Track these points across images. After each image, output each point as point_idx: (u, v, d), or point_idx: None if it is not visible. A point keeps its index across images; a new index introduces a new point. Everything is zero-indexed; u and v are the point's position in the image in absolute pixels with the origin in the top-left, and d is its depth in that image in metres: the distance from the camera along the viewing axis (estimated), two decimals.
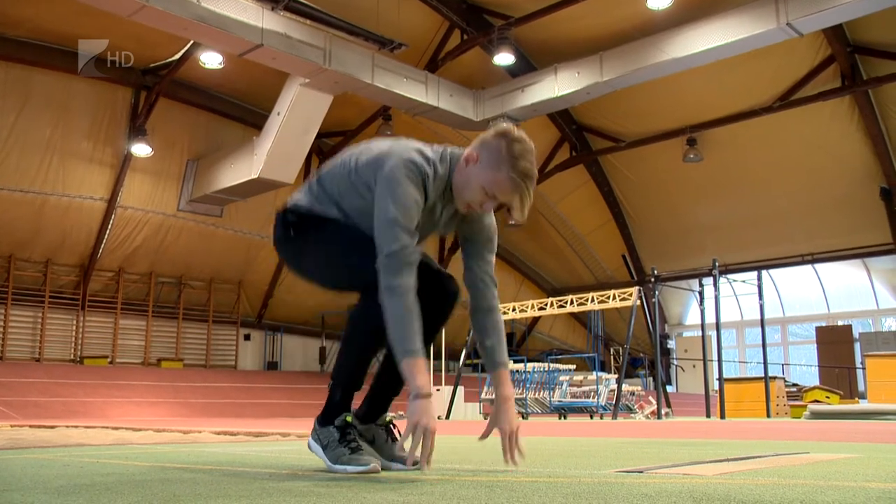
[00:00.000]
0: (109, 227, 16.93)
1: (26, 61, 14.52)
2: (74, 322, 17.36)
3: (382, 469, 2.30)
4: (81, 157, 15.96)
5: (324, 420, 2.37)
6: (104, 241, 17.03)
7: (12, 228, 15.88)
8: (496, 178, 2.29)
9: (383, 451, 2.44)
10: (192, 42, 14.00)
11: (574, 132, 18.87)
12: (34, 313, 16.76)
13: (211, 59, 14.43)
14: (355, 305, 2.44)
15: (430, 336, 2.48)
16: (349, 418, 2.35)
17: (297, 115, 14.17)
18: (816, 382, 16.91)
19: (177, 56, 15.01)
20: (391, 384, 2.53)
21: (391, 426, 2.51)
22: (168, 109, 16.38)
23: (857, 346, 19.35)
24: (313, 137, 14.94)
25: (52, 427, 6.96)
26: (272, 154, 14.64)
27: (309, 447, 2.41)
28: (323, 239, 2.49)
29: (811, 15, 11.53)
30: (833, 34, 14.03)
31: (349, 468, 2.21)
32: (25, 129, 15.00)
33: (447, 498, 1.58)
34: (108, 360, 17.44)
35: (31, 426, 7.46)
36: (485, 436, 2.45)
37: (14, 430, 6.53)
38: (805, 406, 11.76)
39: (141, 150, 15.89)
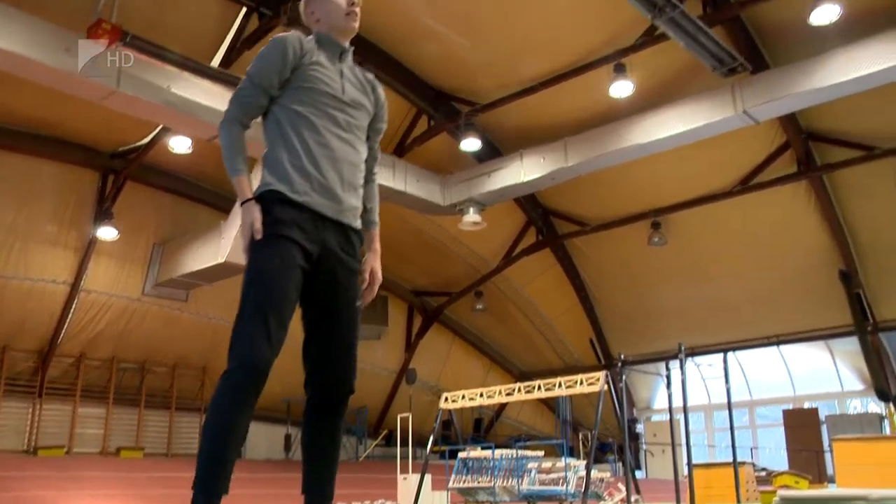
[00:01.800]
0: (72, 311, 16.60)
1: None
2: (30, 410, 16.80)
3: None
4: (45, 241, 15.76)
5: None
6: (66, 325, 16.68)
7: None
8: (323, 4, 2.99)
9: None
10: (161, 127, 14.08)
11: (540, 216, 19.11)
12: None
13: (179, 144, 14.48)
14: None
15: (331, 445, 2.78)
16: None
17: None
18: (785, 466, 16.85)
19: (145, 140, 15.05)
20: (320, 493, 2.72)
21: None
22: (135, 193, 16.32)
23: (825, 429, 19.37)
24: None
25: None
26: (239, 238, 14.58)
27: None
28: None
29: (766, 103, 11.99)
30: (788, 122, 14.52)
31: None
32: None
33: None
34: (65, 449, 16.85)
35: None
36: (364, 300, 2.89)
37: None
38: (775, 492, 11.67)
39: (107, 233, 15.76)
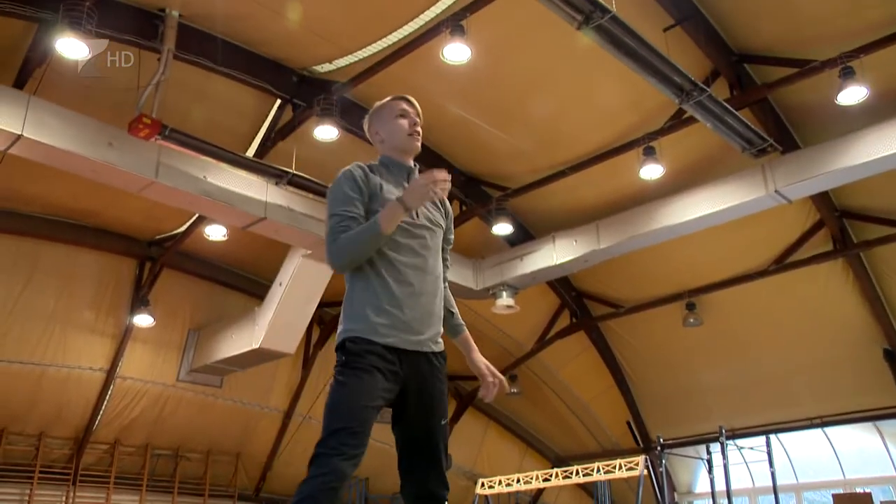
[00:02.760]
0: (108, 398, 16.70)
1: (36, 235, 14.86)
2: (64, 498, 16.75)
3: None
4: (83, 328, 15.99)
5: None
6: (101, 412, 16.76)
7: (8, 401, 15.63)
8: (381, 112, 3.13)
9: None
10: (197, 215, 14.37)
11: (574, 299, 19.01)
12: (21, 490, 16.17)
13: (215, 232, 14.75)
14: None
15: None
16: None
17: (298, 286, 14.34)
18: None
19: (182, 228, 15.36)
20: None
21: None
22: (171, 280, 16.59)
23: None
24: (315, 307, 15.05)
25: None
26: (273, 324, 14.69)
27: None
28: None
29: (798, 183, 11.95)
30: (821, 200, 14.42)
31: None
32: (30, 300, 15.12)
33: None
34: None
35: None
36: (485, 396, 3.09)
37: None
38: None
39: (143, 320, 15.95)
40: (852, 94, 10.98)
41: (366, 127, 3.19)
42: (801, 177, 11.87)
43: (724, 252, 16.15)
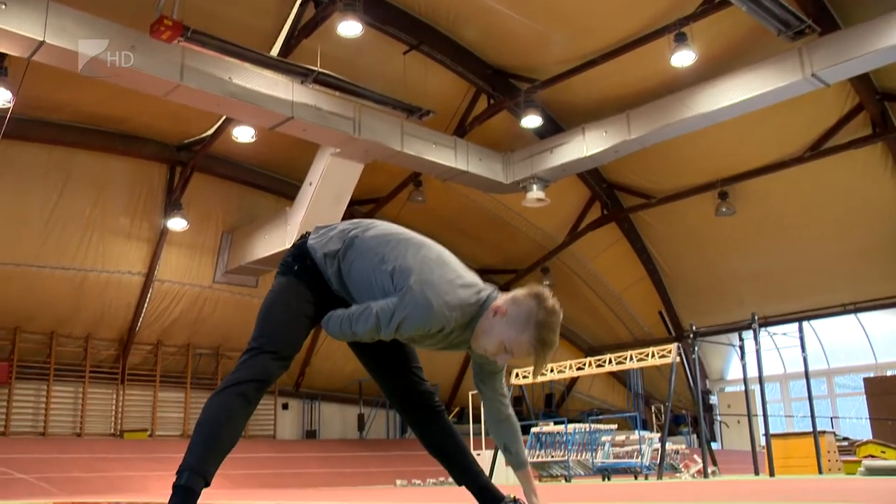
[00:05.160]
0: (147, 300, 17.14)
1: (67, 143, 14.94)
2: (114, 396, 17.47)
3: None
4: (119, 233, 16.28)
5: None
6: (142, 314, 17.24)
7: (54, 305, 16.15)
8: (518, 339, 2.40)
9: None
10: (224, 117, 14.33)
11: (604, 190, 18.89)
12: (75, 388, 16.92)
13: (243, 134, 14.73)
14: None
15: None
16: None
17: (328, 185, 14.37)
18: (869, 436, 16.39)
19: (210, 131, 15.35)
20: (466, 472, 2.74)
21: (515, 499, 2.66)
22: (202, 183, 16.70)
23: None
24: (345, 206, 15.11)
25: None
26: (305, 224, 14.80)
27: None
28: (284, 288, 2.56)
29: (836, 65, 11.57)
30: (860, 83, 13.99)
31: None
32: (66, 207, 15.37)
33: None
34: (148, 433, 17.46)
35: (72, 503, 7.45)
36: None
37: None
38: (859, 462, 11.38)
39: (177, 224, 16.16)
40: None
41: (509, 296, 2.49)
42: (839, 59, 11.47)
43: (757, 139, 15.85)
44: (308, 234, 2.66)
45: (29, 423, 16.37)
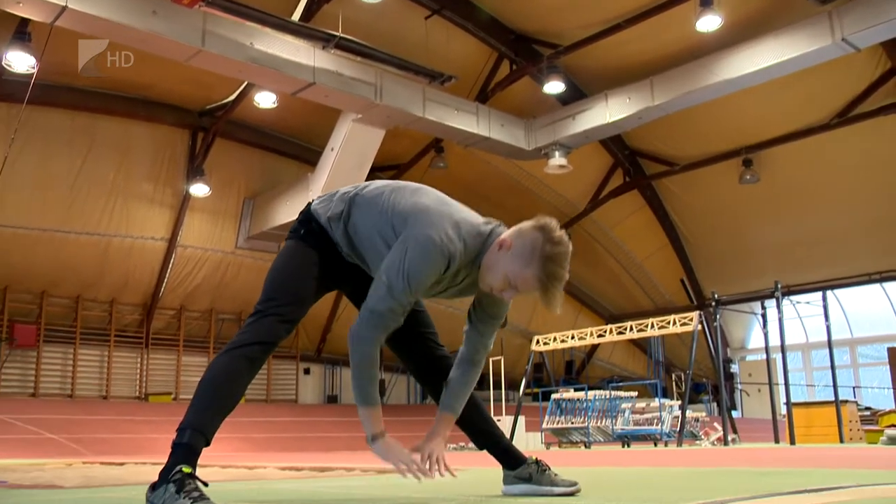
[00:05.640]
0: (170, 266, 17.30)
1: (90, 109, 15.00)
2: (139, 360, 17.72)
3: (544, 496, 2.49)
4: (143, 199, 16.39)
5: (156, 483, 2.08)
6: (165, 279, 17.41)
7: (79, 270, 16.35)
8: (523, 273, 2.28)
9: (541, 481, 2.55)
10: (246, 83, 14.32)
11: (627, 157, 18.75)
12: (101, 352, 17.18)
13: (265, 99, 14.71)
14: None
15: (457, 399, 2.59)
16: (187, 469, 2.08)
17: (350, 151, 14.36)
18: (892, 406, 16.32)
19: (231, 97, 15.35)
20: (488, 437, 2.70)
21: (538, 460, 2.62)
22: (224, 149, 16.74)
23: None
24: (367, 172, 15.09)
25: (122, 464, 7.07)
26: (327, 189, 14.77)
27: None
28: (290, 251, 2.56)
29: (867, 29, 11.33)
30: (892, 47, 13.73)
31: None
32: (91, 173, 15.48)
33: None
34: (172, 396, 17.72)
35: (101, 463, 7.59)
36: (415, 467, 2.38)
37: (86, 468, 6.65)
38: (881, 431, 11.35)
39: (199, 189, 16.24)
40: None
41: (514, 228, 2.38)
42: (872, 22, 11.21)
43: (783, 106, 15.62)
44: (313, 200, 2.65)
45: (57, 385, 16.66)
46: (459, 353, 2.60)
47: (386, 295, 2.25)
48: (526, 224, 2.35)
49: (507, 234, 2.35)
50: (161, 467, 2.10)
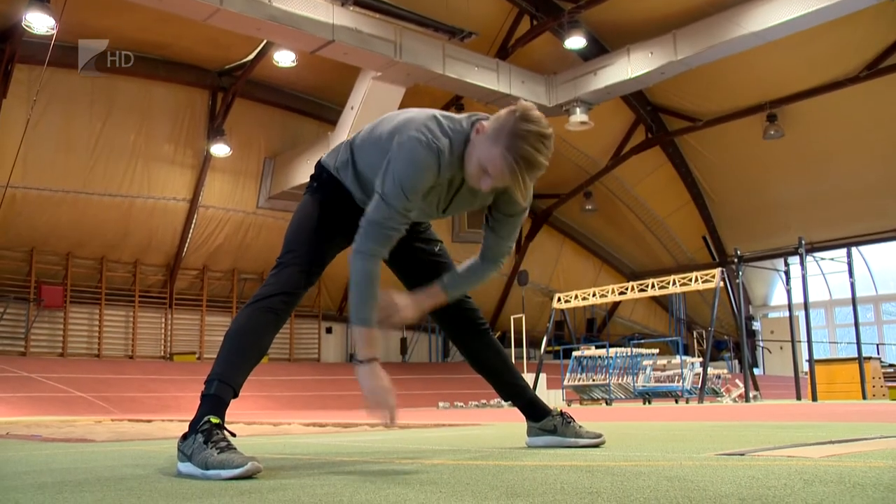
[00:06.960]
0: (192, 226, 17.41)
1: (110, 70, 14.98)
2: (163, 320, 17.94)
3: (568, 447, 2.50)
4: (164, 160, 16.45)
5: (186, 434, 2.10)
6: (188, 240, 17.54)
7: (103, 231, 16.50)
8: (491, 153, 2.15)
9: (566, 432, 2.58)
10: (265, 42, 14.25)
11: (649, 113, 18.53)
12: (126, 312, 17.40)
13: (284, 58, 14.65)
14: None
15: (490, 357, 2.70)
16: (215, 419, 2.10)
17: (370, 109, 14.29)
18: None
19: (251, 56, 15.29)
20: (513, 389, 2.73)
21: (563, 413, 2.65)
22: (244, 109, 16.72)
23: None
24: None
25: (150, 421, 7.21)
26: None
27: (178, 473, 2.06)
28: (306, 204, 2.54)
29: None
30: None
31: (222, 472, 1.90)
32: (112, 135, 15.54)
33: (549, 483, 1.57)
34: (197, 356, 17.96)
35: (129, 420, 7.74)
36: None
37: (116, 424, 6.78)
38: None
39: (220, 150, 16.27)
40: None
41: (489, 123, 2.25)
42: None
43: (810, 59, 15.34)
44: (324, 155, 2.66)
45: (84, 345, 16.93)
46: (479, 251, 2.54)
47: (380, 203, 2.20)
48: (505, 109, 2.24)
49: (486, 121, 2.28)
50: (188, 423, 2.13)
